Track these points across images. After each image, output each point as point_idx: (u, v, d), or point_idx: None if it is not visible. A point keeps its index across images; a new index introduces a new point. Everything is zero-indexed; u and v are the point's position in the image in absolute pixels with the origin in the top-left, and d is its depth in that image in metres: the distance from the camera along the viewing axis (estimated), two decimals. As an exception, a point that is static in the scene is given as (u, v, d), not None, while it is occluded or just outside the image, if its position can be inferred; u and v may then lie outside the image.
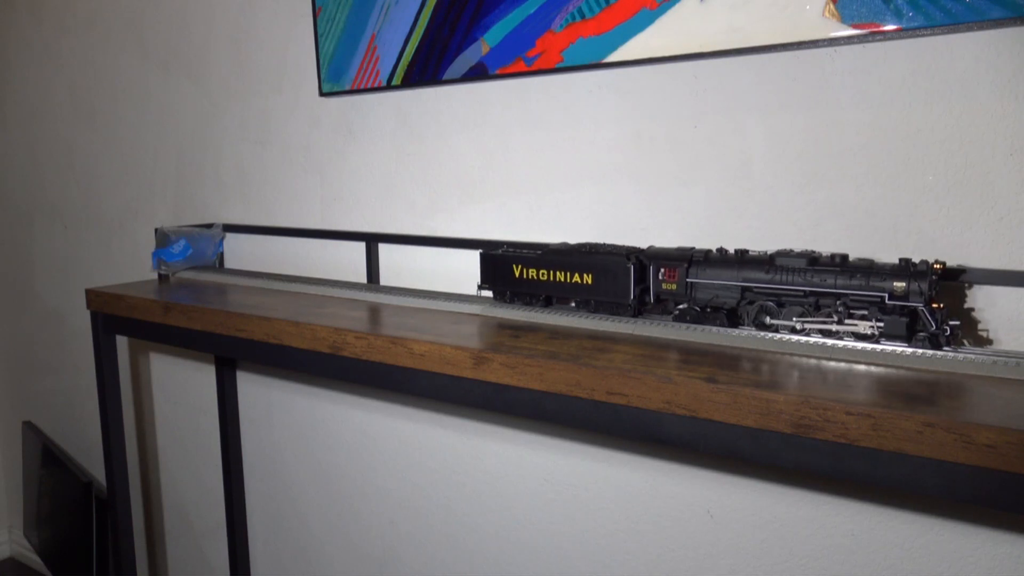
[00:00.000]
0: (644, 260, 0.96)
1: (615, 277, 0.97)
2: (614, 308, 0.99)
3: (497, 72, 1.18)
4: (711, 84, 1.02)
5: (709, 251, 0.93)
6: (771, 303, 0.88)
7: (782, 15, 0.93)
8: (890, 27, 0.87)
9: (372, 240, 1.39)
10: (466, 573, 1.40)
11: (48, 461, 2.11)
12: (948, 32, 0.85)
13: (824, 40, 0.91)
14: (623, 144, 1.10)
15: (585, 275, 0.99)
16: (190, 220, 1.75)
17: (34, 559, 2.48)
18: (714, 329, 0.91)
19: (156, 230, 1.55)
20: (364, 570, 1.57)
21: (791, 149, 0.97)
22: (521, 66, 1.15)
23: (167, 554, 2.04)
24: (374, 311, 1.16)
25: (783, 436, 0.73)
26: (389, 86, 1.32)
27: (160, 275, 1.55)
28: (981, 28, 0.83)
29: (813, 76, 0.95)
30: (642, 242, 1.10)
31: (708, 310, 0.92)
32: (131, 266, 1.92)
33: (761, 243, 1.01)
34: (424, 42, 1.26)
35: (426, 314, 1.13)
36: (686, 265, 0.92)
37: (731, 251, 0.93)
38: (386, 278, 1.41)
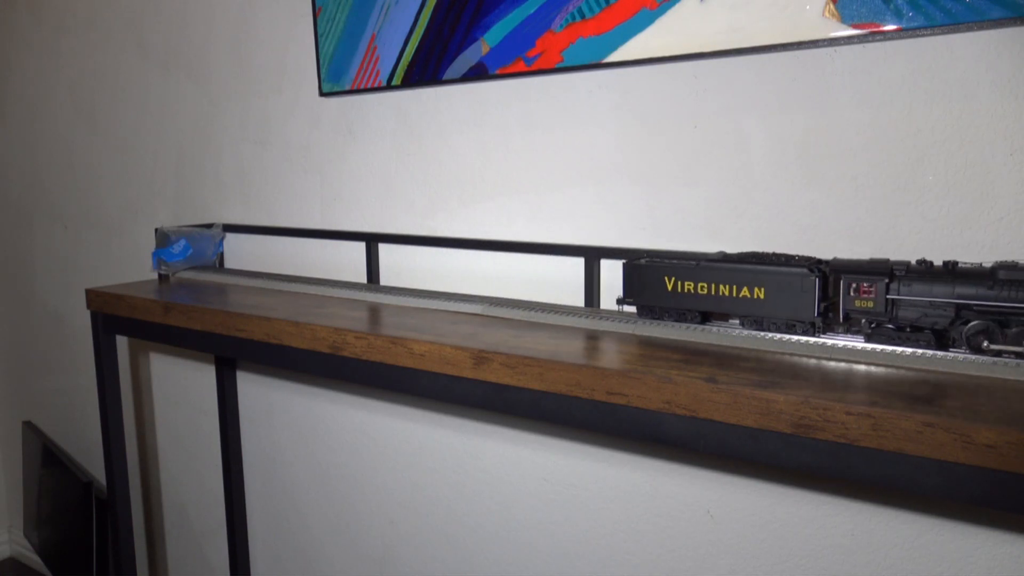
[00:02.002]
0: (829, 273, 0.85)
1: (795, 292, 0.85)
2: (789, 326, 0.87)
3: (497, 72, 1.18)
4: (711, 84, 1.02)
5: (908, 263, 0.82)
6: (993, 323, 0.77)
7: (782, 15, 0.93)
8: (890, 27, 0.87)
9: (372, 240, 1.39)
10: (466, 573, 1.40)
11: (48, 461, 2.11)
12: (948, 32, 0.85)
13: (824, 40, 0.91)
14: (623, 144, 1.10)
15: (756, 289, 0.87)
16: (190, 220, 1.75)
17: (34, 559, 2.48)
18: (716, 329, 0.91)
19: (156, 230, 1.55)
20: (364, 570, 1.57)
21: (791, 149, 0.97)
22: (521, 66, 1.15)
23: (167, 554, 2.04)
24: (374, 311, 1.16)
25: (783, 436, 0.73)
26: (389, 86, 1.32)
27: (160, 275, 1.55)
28: (981, 28, 0.83)
29: (813, 76, 0.95)
30: (641, 242, 1.10)
31: (908, 330, 0.81)
32: (131, 266, 1.92)
33: (761, 244, 1.01)
34: (424, 42, 1.26)
35: (426, 314, 1.13)
36: (886, 280, 0.81)
37: (936, 263, 0.82)
38: (386, 278, 1.41)
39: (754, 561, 1.07)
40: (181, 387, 1.87)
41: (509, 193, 1.23)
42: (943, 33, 0.85)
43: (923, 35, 0.86)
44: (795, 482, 1.03)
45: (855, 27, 0.89)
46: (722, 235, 1.04)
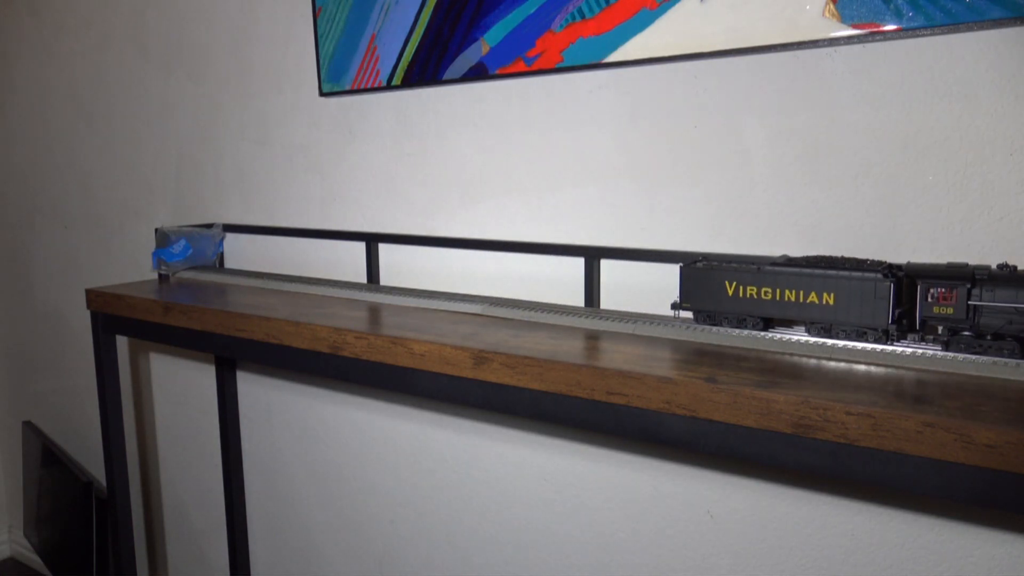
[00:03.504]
0: (904, 278, 0.81)
1: (868, 297, 0.81)
2: (860, 334, 0.83)
3: (497, 72, 1.18)
4: (711, 84, 1.02)
5: (990, 268, 0.79)
6: None
7: (782, 15, 0.93)
8: (890, 27, 0.87)
9: (372, 240, 1.39)
10: (466, 573, 1.40)
11: (48, 461, 2.11)
12: (948, 32, 0.85)
13: (824, 40, 0.91)
14: (623, 144, 1.11)
15: (825, 295, 0.84)
16: (190, 220, 1.75)
17: (34, 559, 2.48)
18: (715, 329, 0.91)
19: (156, 230, 1.55)
20: (364, 570, 1.57)
21: (791, 149, 0.97)
22: (521, 66, 1.15)
23: (167, 554, 2.04)
24: (374, 311, 1.16)
25: (783, 436, 0.72)
26: (389, 86, 1.32)
27: (160, 275, 1.55)
28: (981, 28, 0.83)
29: (813, 76, 0.95)
30: (639, 242, 1.10)
31: (989, 338, 0.77)
32: (131, 266, 1.92)
33: (761, 244, 1.01)
34: (424, 42, 1.26)
35: (426, 314, 1.13)
36: (968, 285, 0.77)
37: (1021, 267, 0.79)
38: (386, 278, 1.41)
39: (754, 561, 1.07)
40: (181, 387, 1.87)
41: (509, 193, 1.23)
42: (943, 33, 0.85)
43: (923, 35, 0.86)
44: (795, 482, 1.03)
45: (855, 27, 0.89)
46: (722, 235, 1.04)
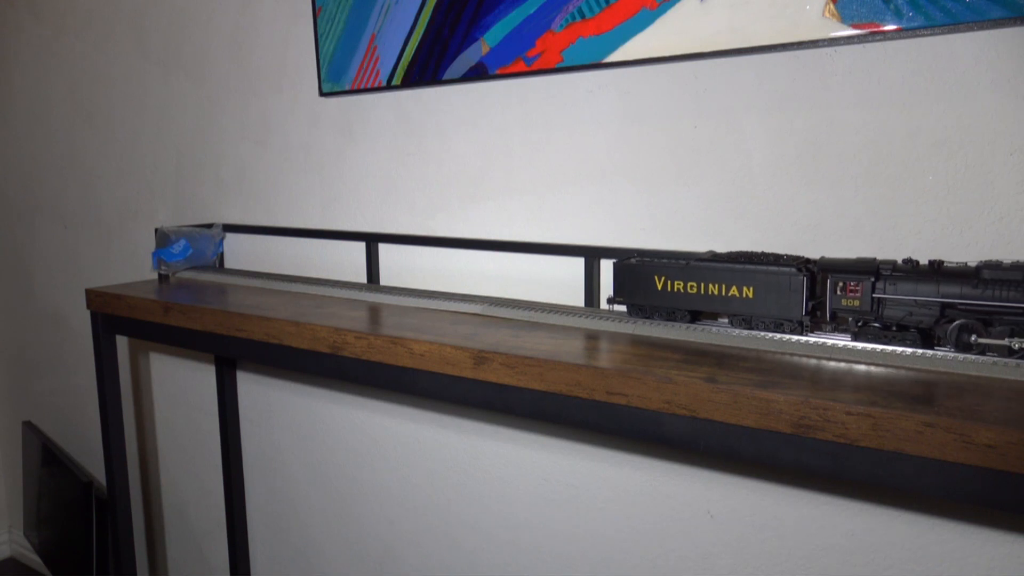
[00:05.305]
0: (817, 272, 0.86)
1: (783, 291, 0.86)
2: (778, 325, 0.88)
3: (497, 72, 1.18)
4: (711, 84, 1.02)
5: (895, 262, 0.83)
6: (976, 322, 0.78)
7: (782, 15, 0.93)
8: (890, 27, 0.87)
9: (372, 240, 1.39)
10: (465, 573, 1.40)
11: (48, 461, 2.11)
12: (948, 32, 0.85)
13: (824, 40, 0.91)
14: (623, 144, 1.11)
15: (745, 288, 0.88)
16: (190, 220, 1.75)
17: (34, 559, 2.48)
18: (715, 329, 0.91)
19: (156, 230, 1.55)
20: (363, 570, 1.57)
21: (791, 149, 0.97)
22: (521, 66, 1.15)
23: (167, 554, 2.04)
24: (374, 311, 1.16)
25: (783, 436, 0.73)
26: (389, 86, 1.32)
27: (160, 275, 1.55)
28: (981, 28, 0.83)
29: (813, 76, 0.95)
30: (641, 242, 1.10)
31: (894, 328, 0.82)
32: (131, 266, 1.92)
33: (761, 244, 1.01)
34: (424, 42, 1.26)
35: (426, 314, 1.13)
36: (872, 279, 0.81)
37: (922, 263, 0.84)
38: (386, 278, 1.41)
39: (754, 561, 1.07)
40: (181, 387, 1.87)
41: (509, 193, 1.23)
42: (943, 33, 0.85)
43: (923, 35, 0.86)
44: (795, 482, 1.03)
45: (855, 27, 0.89)
46: (722, 235, 1.04)
